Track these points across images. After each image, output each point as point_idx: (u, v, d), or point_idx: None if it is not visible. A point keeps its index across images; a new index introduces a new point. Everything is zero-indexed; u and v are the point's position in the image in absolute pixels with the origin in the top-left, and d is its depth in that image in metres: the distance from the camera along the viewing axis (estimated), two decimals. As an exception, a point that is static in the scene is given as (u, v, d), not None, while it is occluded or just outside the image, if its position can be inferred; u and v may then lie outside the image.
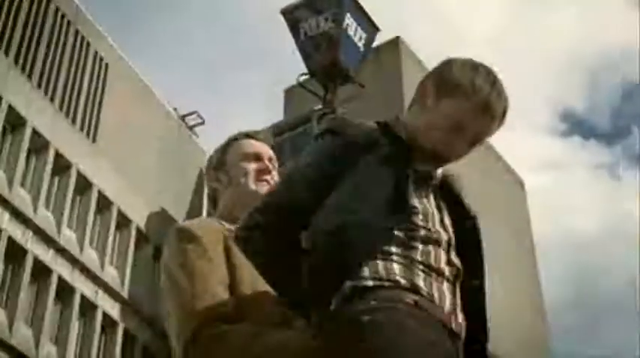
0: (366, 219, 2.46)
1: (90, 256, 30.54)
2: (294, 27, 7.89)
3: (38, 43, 30.82)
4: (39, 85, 30.36)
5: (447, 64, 2.74)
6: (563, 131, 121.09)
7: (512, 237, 39.52)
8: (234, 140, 3.34)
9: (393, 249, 2.52)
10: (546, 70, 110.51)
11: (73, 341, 28.79)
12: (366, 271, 2.46)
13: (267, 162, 3.27)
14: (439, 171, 2.83)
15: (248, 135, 3.35)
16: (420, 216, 2.62)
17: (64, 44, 32.12)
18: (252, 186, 3.18)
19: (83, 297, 29.59)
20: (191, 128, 39.42)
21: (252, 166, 3.22)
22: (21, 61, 29.88)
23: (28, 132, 29.08)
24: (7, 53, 29.36)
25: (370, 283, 2.44)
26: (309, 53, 7.74)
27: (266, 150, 3.31)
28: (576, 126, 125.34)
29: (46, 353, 27.34)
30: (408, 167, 2.65)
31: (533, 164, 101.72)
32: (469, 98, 2.62)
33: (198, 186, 37.67)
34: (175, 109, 38.93)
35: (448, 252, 2.67)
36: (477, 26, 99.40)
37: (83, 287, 29.75)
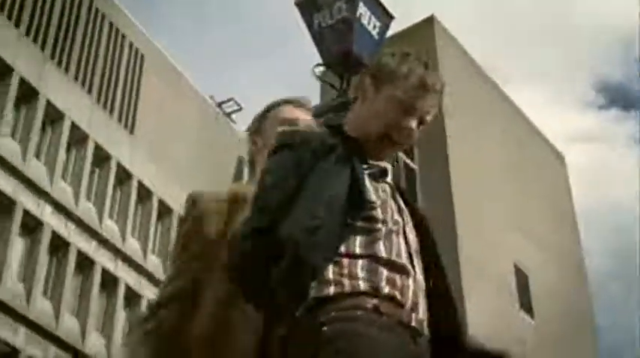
0: (326, 220, 2.48)
1: (132, 246, 30.88)
2: (307, 18, 7.92)
3: (74, 38, 31.16)
4: (76, 79, 30.70)
5: (378, 58, 2.91)
6: (602, 104, 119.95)
7: (553, 210, 39.26)
8: (274, 105, 3.40)
9: (357, 249, 2.56)
10: (584, 43, 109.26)
11: (118, 331, 29.16)
12: (329, 274, 2.50)
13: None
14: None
15: (288, 101, 3.39)
16: (379, 210, 2.65)
17: (99, 37, 32.43)
18: None
19: (127, 287, 29.95)
20: (228, 115, 39.56)
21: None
22: (57, 55, 30.23)
23: (66, 125, 29.44)
24: (43, 48, 29.71)
25: (331, 292, 2.47)
26: (324, 44, 7.78)
27: (304, 117, 3.34)
28: (615, 98, 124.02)
29: (92, 344, 27.72)
30: (362, 163, 2.70)
31: (572, 137, 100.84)
32: (407, 78, 2.74)
33: (238, 173, 37.85)
34: (212, 97, 39.11)
35: (406, 238, 2.70)
36: (511, 1, 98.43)
37: (127, 276, 30.10)
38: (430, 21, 37.86)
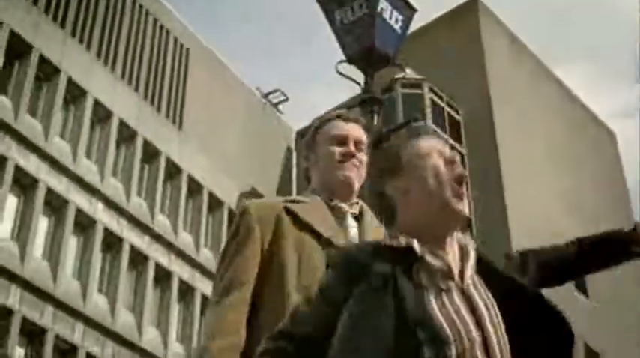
0: None
1: (185, 240, 31.20)
2: (329, 14, 7.92)
3: (119, 36, 31.54)
4: (122, 77, 31.07)
5: (383, 155, 2.65)
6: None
7: (606, 190, 38.84)
8: (326, 121, 3.38)
9: None
10: (629, 16, 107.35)
11: (174, 324, 29.51)
12: None
13: (351, 146, 3.26)
14: (470, 246, 2.47)
15: (340, 116, 3.38)
16: (448, 332, 2.24)
17: (144, 34, 32.78)
18: (334, 170, 3.22)
19: (181, 280, 30.27)
20: (275, 105, 39.72)
21: (337, 149, 3.25)
22: (103, 54, 30.61)
23: (115, 123, 29.82)
24: (88, 48, 30.11)
25: None
26: (346, 40, 7.77)
27: (353, 133, 3.31)
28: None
29: (149, 337, 28.09)
30: (413, 274, 2.34)
31: (623, 114, 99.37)
32: (426, 155, 2.48)
33: (287, 162, 38.04)
34: (258, 88, 39.30)
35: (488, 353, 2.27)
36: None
37: (180, 270, 30.43)
38: (474, 2, 37.60)
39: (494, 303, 2.36)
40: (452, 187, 2.41)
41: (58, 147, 27.64)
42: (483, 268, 2.45)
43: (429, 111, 32.83)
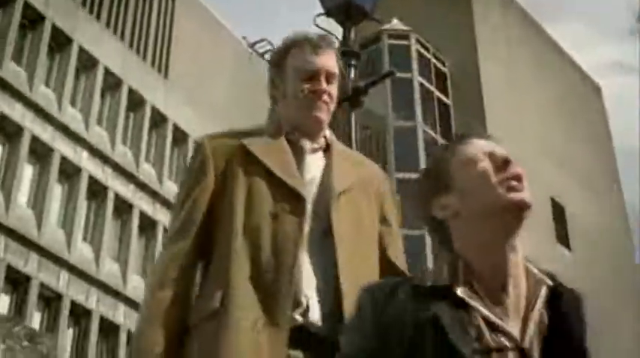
0: None
1: (170, 189, 31.21)
2: (308, -31, 7.93)
3: (104, -17, 31.26)
4: (107, 25, 30.85)
5: (432, 169, 2.30)
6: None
7: (591, 143, 38.99)
8: (295, 45, 3.02)
9: None
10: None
11: (158, 272, 29.60)
12: None
13: (322, 82, 2.95)
14: (541, 283, 2.05)
15: (310, 42, 3.01)
16: None
17: (130, -18, 32.49)
18: (303, 108, 2.93)
19: (165, 229, 30.27)
20: (262, 55, 39.47)
21: (306, 86, 2.93)
22: (88, 2, 30.36)
23: (100, 71, 29.69)
24: (74, -5, 29.88)
25: None
26: (324, -6, 7.76)
27: (324, 66, 2.97)
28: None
29: (133, 286, 28.23)
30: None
31: (609, 68, 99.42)
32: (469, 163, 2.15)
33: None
34: (244, 38, 39.04)
35: None
36: None
37: (165, 219, 30.47)
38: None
39: None
40: (506, 185, 2.01)
41: (43, 95, 27.53)
42: (554, 312, 2.01)
43: (415, 62, 32.76)
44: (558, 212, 33.70)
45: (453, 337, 1.86)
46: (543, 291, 2.01)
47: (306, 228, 2.71)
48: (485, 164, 2.05)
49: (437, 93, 32.50)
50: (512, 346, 1.90)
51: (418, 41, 33.38)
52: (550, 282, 2.03)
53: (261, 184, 2.77)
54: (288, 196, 2.74)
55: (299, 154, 2.88)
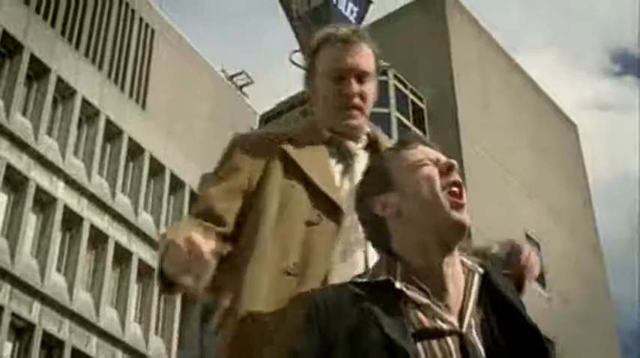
0: None
1: (145, 220, 31.12)
2: (287, 7, 8.01)
3: (84, 13, 31.30)
4: (86, 55, 30.85)
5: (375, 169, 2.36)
6: (616, 72, 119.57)
7: (566, 180, 39.24)
8: (325, 40, 2.79)
9: None
10: (597, 12, 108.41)
11: (132, 305, 29.45)
12: None
13: (353, 84, 2.74)
14: (475, 273, 2.18)
15: (339, 37, 2.76)
16: None
17: (109, 13, 32.54)
18: (335, 115, 2.75)
19: (140, 261, 30.20)
20: (240, 88, 39.64)
21: (335, 88, 2.73)
22: (67, 31, 30.38)
23: (78, 101, 29.63)
24: (53, 24, 29.86)
25: None
26: (300, 30, 7.85)
27: (354, 64, 2.75)
28: (629, 66, 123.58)
29: (107, 317, 28.02)
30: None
31: (586, 106, 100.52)
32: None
33: (250, 146, 37.98)
34: (223, 70, 39.21)
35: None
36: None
37: (140, 250, 30.35)
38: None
39: (497, 345, 2.04)
40: (449, 197, 2.12)
41: (20, 124, 27.43)
42: (491, 295, 2.13)
43: (393, 98, 32.92)
44: (533, 247, 33.80)
45: (390, 330, 1.95)
46: (476, 279, 2.12)
47: (343, 239, 2.54)
48: (432, 169, 2.15)
49: (414, 128, 32.65)
50: (451, 329, 1.99)
51: (396, 77, 33.56)
52: (480, 270, 2.14)
53: (298, 192, 2.61)
54: (326, 206, 2.57)
55: (343, 158, 2.73)
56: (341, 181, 2.66)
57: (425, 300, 2.03)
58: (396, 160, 2.20)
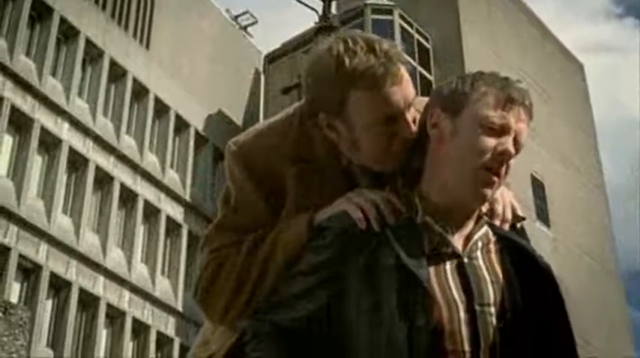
0: None
1: (150, 161, 31.12)
2: (289, -58, 7.88)
3: (86, -48, 30.96)
4: (89, -5, 30.61)
5: (445, 86, 2.28)
6: (618, 14, 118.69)
7: (573, 120, 39.09)
8: (362, 76, 2.18)
9: None
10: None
11: (139, 245, 29.59)
12: None
13: (404, 126, 2.25)
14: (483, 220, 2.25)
15: (387, 74, 2.19)
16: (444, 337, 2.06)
17: (112, -49, 32.19)
18: (383, 163, 2.29)
19: (146, 202, 30.27)
20: (244, 28, 39.37)
21: (386, 133, 2.24)
22: (70, -29, 30.09)
23: (81, 42, 29.46)
24: (55, -35, 29.59)
25: None
26: (304, -32, 7.74)
27: (407, 99, 2.24)
28: (631, 9, 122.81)
29: (113, 258, 28.17)
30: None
31: (587, 48, 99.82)
32: (489, 94, 2.17)
33: (255, 86, 37.86)
34: (227, 10, 38.90)
35: None
36: None
37: (146, 192, 30.41)
38: None
39: (501, 281, 2.12)
40: (484, 174, 2.11)
41: (24, 65, 27.31)
42: (505, 242, 2.21)
43: (398, 37, 32.68)
44: (538, 188, 33.80)
45: (405, 258, 2.05)
46: (485, 227, 2.20)
47: None
48: (489, 140, 2.12)
49: (420, 68, 32.47)
50: (451, 252, 2.11)
51: (401, 17, 33.30)
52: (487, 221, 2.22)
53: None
54: None
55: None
56: None
57: (437, 229, 2.12)
58: (475, 98, 2.15)
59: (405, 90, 2.21)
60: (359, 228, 2.11)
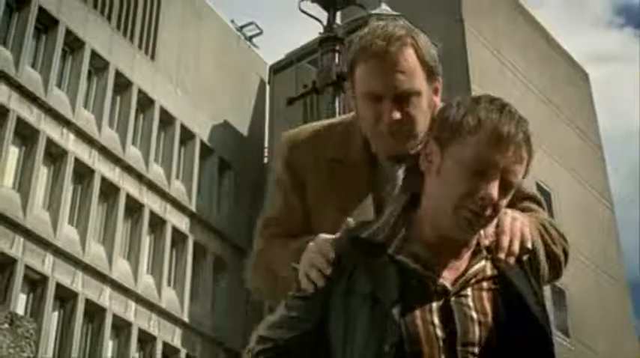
0: None
1: (156, 172, 31.15)
2: (294, -47, 7.90)
3: (91, -36, 31.03)
4: (95, 6, 30.65)
5: (442, 111, 2.20)
6: (619, 24, 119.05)
7: (578, 128, 39.06)
8: (362, 51, 2.46)
9: None
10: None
11: (145, 256, 29.60)
12: None
13: (388, 106, 2.42)
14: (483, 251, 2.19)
15: (375, 49, 2.42)
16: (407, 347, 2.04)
17: (117, -37, 32.26)
18: (373, 139, 2.51)
19: (152, 213, 30.29)
20: (250, 39, 39.43)
21: (373, 109, 2.44)
22: (75, -17, 30.15)
23: (87, 53, 29.51)
24: (60, -24, 29.66)
25: None
26: (309, -21, 7.76)
27: (391, 83, 2.41)
28: (631, 18, 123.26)
29: (119, 269, 28.18)
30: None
31: (591, 57, 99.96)
32: (476, 131, 2.07)
33: (260, 96, 37.90)
34: (232, 21, 38.97)
35: None
36: None
37: (151, 202, 30.44)
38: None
39: (489, 321, 2.07)
40: (466, 214, 2.06)
41: (30, 76, 27.37)
42: (501, 280, 2.14)
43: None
44: (544, 196, 33.77)
45: (379, 294, 2.05)
46: (485, 257, 2.15)
47: None
48: (476, 183, 2.05)
49: (424, 78, 32.47)
50: (436, 289, 2.06)
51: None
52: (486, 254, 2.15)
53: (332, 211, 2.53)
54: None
55: (383, 175, 2.56)
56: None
57: (414, 266, 2.08)
58: (465, 131, 2.07)
59: (391, 74, 2.39)
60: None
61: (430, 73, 2.48)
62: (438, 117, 2.18)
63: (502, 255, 2.17)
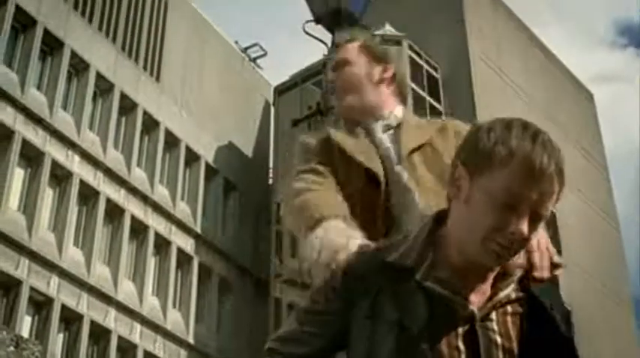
0: None
1: (161, 193, 31.18)
2: (298, -25, 7.92)
3: (96, -14, 31.19)
4: (100, 28, 30.79)
5: (473, 134, 2.10)
6: (621, 44, 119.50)
7: (584, 148, 39.06)
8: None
9: None
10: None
11: (150, 278, 29.59)
12: None
13: (329, 74, 3.11)
14: (514, 276, 2.14)
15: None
16: None
17: (122, -15, 32.42)
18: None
19: (157, 234, 30.30)
20: (254, 60, 39.55)
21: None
22: (81, 5, 30.29)
23: (92, 75, 29.61)
24: (66, -1, 29.82)
25: None
26: (314, 1, 7.79)
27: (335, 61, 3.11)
28: (633, 38, 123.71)
29: (124, 290, 28.16)
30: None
31: (594, 77, 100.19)
32: (507, 163, 1.98)
33: (264, 117, 37.97)
34: (237, 42, 39.11)
35: None
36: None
37: (156, 224, 30.45)
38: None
39: (514, 347, 2.04)
40: (495, 246, 1.99)
41: (35, 98, 27.46)
42: (531, 305, 2.10)
43: (407, 67, 32.78)
44: (550, 218, 33.76)
45: (405, 320, 2.00)
46: (514, 282, 2.10)
47: (391, 201, 2.73)
48: (507, 218, 1.97)
49: (429, 98, 32.53)
50: (466, 322, 2.02)
51: (410, 47, 33.41)
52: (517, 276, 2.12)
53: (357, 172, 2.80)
54: (365, 176, 2.79)
55: (370, 136, 2.91)
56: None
57: (443, 292, 2.04)
58: (497, 161, 1.98)
59: (339, 52, 3.09)
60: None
61: (376, 58, 3.06)
62: (467, 141, 2.09)
63: (540, 274, 2.17)
